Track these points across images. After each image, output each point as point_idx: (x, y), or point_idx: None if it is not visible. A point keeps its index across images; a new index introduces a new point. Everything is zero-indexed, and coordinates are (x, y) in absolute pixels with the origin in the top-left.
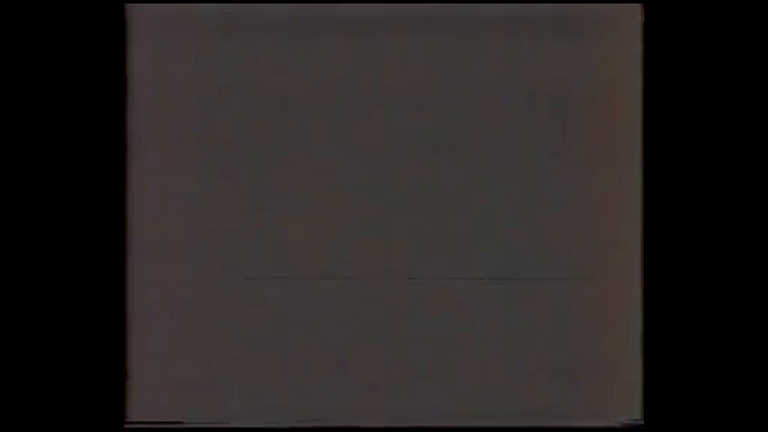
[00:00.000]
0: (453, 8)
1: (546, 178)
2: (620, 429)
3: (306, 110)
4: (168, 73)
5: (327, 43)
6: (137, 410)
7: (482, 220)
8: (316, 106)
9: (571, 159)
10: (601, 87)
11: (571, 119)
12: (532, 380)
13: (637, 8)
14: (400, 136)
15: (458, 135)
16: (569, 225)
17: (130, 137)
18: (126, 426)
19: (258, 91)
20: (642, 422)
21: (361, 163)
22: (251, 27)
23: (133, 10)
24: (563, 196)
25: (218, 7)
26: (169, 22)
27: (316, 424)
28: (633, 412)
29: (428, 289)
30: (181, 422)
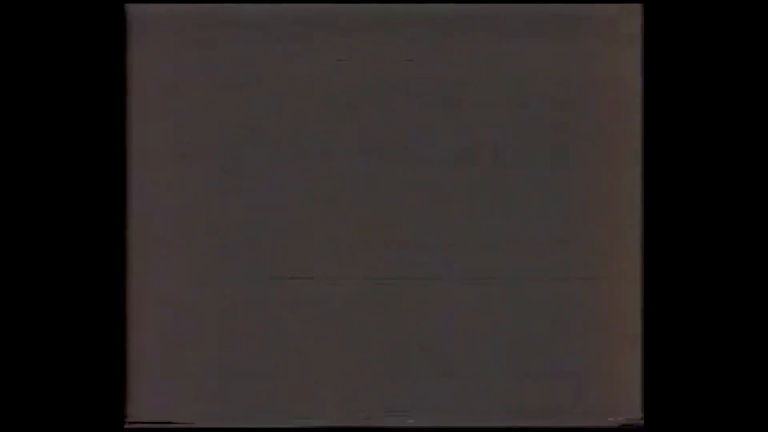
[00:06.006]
0: (452, 8)
1: (546, 179)
2: (620, 429)
3: (306, 110)
4: (168, 73)
5: (327, 42)
6: (137, 410)
7: (482, 220)
8: (316, 105)
9: (571, 159)
10: (601, 87)
11: (570, 119)
12: (532, 380)
13: (637, 8)
14: (399, 135)
15: (456, 135)
16: (569, 225)
17: (130, 137)
18: (126, 426)
19: (258, 90)
20: (642, 422)
21: (360, 163)
22: (251, 27)
23: (133, 10)
24: (563, 196)
25: (218, 7)
26: (169, 22)
27: (316, 424)
28: (633, 412)
29: (429, 289)
30: (181, 422)
